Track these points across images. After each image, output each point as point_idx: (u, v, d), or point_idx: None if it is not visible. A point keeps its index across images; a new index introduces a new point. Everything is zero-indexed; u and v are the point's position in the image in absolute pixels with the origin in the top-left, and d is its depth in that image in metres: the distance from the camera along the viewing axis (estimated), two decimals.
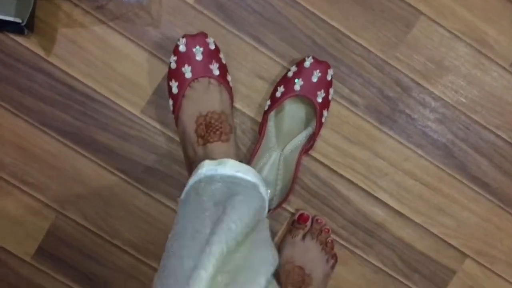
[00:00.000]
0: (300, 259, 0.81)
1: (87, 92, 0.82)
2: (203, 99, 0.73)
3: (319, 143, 0.85)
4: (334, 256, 0.85)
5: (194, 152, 0.73)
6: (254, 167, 0.76)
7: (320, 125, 0.79)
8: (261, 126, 0.80)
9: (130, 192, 0.84)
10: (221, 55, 0.78)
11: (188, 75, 0.73)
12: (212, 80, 0.74)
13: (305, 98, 0.78)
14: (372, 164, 0.86)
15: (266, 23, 0.83)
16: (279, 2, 0.83)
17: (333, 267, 0.85)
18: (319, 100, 0.78)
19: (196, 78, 0.73)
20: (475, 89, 0.85)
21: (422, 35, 0.84)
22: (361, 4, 0.83)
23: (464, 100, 0.85)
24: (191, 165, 0.73)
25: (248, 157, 0.83)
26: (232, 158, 0.66)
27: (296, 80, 0.78)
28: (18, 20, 0.78)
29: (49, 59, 0.82)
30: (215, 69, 0.74)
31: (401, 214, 0.87)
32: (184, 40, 0.73)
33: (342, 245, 0.86)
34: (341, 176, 0.85)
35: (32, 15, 0.79)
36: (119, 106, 0.83)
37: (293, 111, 0.81)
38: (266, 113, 0.80)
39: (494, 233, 0.87)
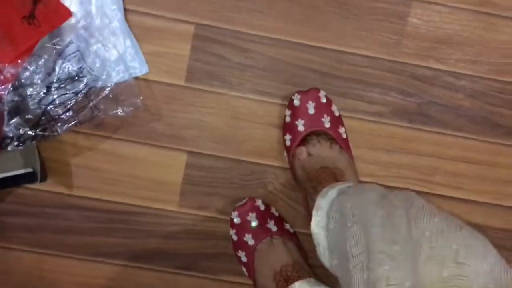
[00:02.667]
0: (318, 165, 0.73)
1: (122, 209, 0.80)
2: (272, 257, 0.73)
3: (359, 165, 0.80)
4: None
5: None
6: None
7: (345, 144, 0.75)
8: (295, 179, 0.77)
9: (200, 285, 0.81)
10: (272, 210, 0.77)
11: (251, 242, 0.74)
12: (274, 237, 0.74)
13: (315, 132, 0.74)
14: (419, 164, 0.81)
15: (263, 73, 0.79)
16: (266, 47, 0.78)
17: (349, 153, 0.77)
18: (327, 125, 0.74)
19: (260, 242, 0.73)
20: (494, 51, 0.79)
21: (420, 21, 0.78)
22: (345, 16, 0.77)
23: (487, 67, 0.79)
24: None
25: (303, 212, 0.80)
26: None
27: (296, 122, 0.74)
28: (29, 170, 0.76)
29: (73, 193, 0.79)
30: (272, 226, 0.74)
31: (466, 201, 0.82)
32: (236, 213, 0.75)
33: None
34: (394, 188, 0.81)
35: (42, 161, 0.76)
36: (156, 210, 0.80)
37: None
38: (290, 166, 0.77)
39: None
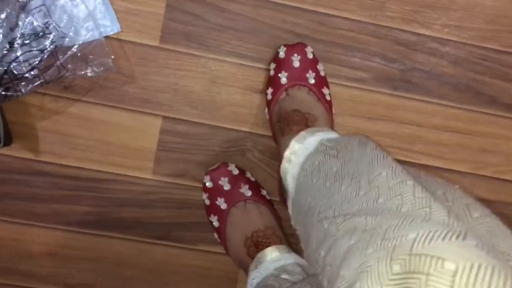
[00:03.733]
0: (291, 104, 0.70)
1: (93, 176, 0.75)
2: (244, 222, 0.71)
3: (339, 131, 0.78)
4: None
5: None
6: None
7: (328, 105, 0.72)
8: (273, 133, 0.73)
9: (177, 255, 0.78)
10: (248, 175, 0.74)
11: (223, 206, 0.71)
12: (248, 201, 0.71)
13: (297, 87, 0.70)
14: (401, 133, 0.79)
15: (242, 35, 0.75)
16: (246, 8, 0.74)
17: (330, 114, 0.73)
18: (312, 81, 0.71)
19: (232, 206, 0.71)
20: (478, 16, 0.76)
21: None
22: None
23: (471, 33, 0.77)
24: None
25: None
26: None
27: (279, 75, 0.70)
28: None
29: (41, 158, 0.75)
30: (246, 191, 0.72)
31: (448, 170, 0.80)
32: (207, 177, 0.72)
33: None
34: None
35: (5, 123, 0.71)
36: (129, 177, 0.76)
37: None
38: (270, 121, 0.73)
39: None
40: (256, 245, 0.70)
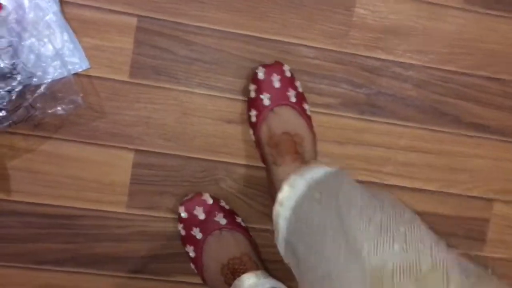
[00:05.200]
0: (280, 126, 0.70)
1: (66, 213, 0.74)
2: (220, 250, 0.71)
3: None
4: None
5: None
6: None
7: (309, 119, 0.73)
8: (261, 155, 0.74)
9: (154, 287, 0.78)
10: (222, 203, 0.74)
11: (199, 236, 0.72)
12: (223, 230, 0.72)
13: (281, 106, 0.71)
14: (371, 155, 0.80)
15: (210, 66, 0.75)
16: (212, 40, 0.75)
17: (312, 130, 0.73)
18: (293, 99, 0.72)
19: (208, 234, 0.71)
20: (437, 40, 0.79)
21: (367, 11, 0.77)
22: (290, 5, 0.76)
23: (432, 56, 0.79)
24: None
25: (257, 207, 0.78)
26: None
27: (261, 96, 0.71)
28: None
29: (12, 198, 0.73)
30: (221, 219, 0.72)
31: (416, 190, 0.82)
32: (182, 207, 0.73)
33: None
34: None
35: None
36: (103, 212, 0.75)
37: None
38: (257, 143, 0.73)
39: (509, 168, 0.83)
40: (233, 272, 0.69)
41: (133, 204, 0.76)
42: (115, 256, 0.76)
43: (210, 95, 0.75)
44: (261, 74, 0.72)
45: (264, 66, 0.72)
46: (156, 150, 0.75)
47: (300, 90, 0.74)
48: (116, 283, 0.76)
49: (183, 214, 0.73)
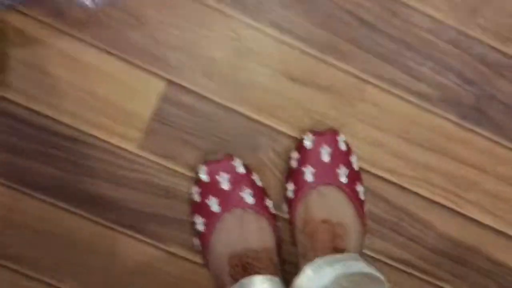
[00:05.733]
0: (321, 211, 0.57)
1: (66, 133, 0.59)
2: (237, 234, 0.56)
3: (381, 155, 0.61)
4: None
5: None
6: None
7: (361, 205, 0.58)
8: (293, 237, 0.60)
9: (143, 251, 0.62)
10: (254, 177, 0.58)
11: (215, 208, 0.56)
12: (247, 210, 0.56)
13: (326, 186, 0.56)
14: (457, 174, 0.62)
15: (290, 5, 0.58)
16: None
17: (362, 220, 0.59)
18: (343, 179, 0.56)
19: (227, 211, 0.56)
20: None
21: None
22: None
23: None
24: None
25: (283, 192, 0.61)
26: None
27: (304, 169, 0.56)
28: None
29: (7, 95, 0.59)
30: (248, 197, 0.56)
31: (498, 232, 0.64)
32: (204, 168, 0.57)
33: (423, 279, 0.65)
34: (416, 194, 0.62)
35: None
36: (110, 145, 0.60)
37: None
38: (290, 224, 0.59)
39: None
40: (244, 267, 0.54)
41: (147, 146, 0.60)
42: (109, 200, 0.61)
43: (280, 39, 0.58)
44: (308, 143, 0.56)
45: (314, 133, 0.57)
46: (193, 88, 0.59)
47: (356, 167, 0.59)
48: (101, 233, 0.62)
49: (204, 177, 0.57)
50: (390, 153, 0.61)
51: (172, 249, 0.62)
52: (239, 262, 0.54)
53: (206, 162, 0.57)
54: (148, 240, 0.62)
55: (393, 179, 0.62)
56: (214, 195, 0.56)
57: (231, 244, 0.56)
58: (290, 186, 0.58)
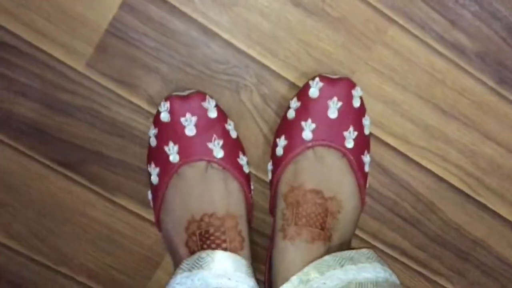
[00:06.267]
0: (313, 177, 0.45)
1: (4, 39, 0.46)
2: (197, 194, 0.44)
3: (392, 117, 0.49)
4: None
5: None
6: None
7: (364, 179, 0.46)
8: (271, 205, 0.48)
9: (77, 196, 0.50)
10: (229, 126, 0.46)
11: (174, 158, 0.44)
12: (214, 165, 0.44)
13: (326, 148, 0.44)
14: (478, 150, 0.50)
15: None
16: None
17: (363, 195, 0.48)
18: (350, 144, 0.44)
19: (187, 162, 0.43)
20: None
21: None
22: None
23: None
24: None
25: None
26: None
27: (303, 124, 0.44)
28: None
29: None
30: (217, 148, 0.44)
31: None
32: (167, 105, 0.44)
33: (417, 271, 0.54)
34: (426, 169, 0.50)
35: None
36: (52, 58, 0.46)
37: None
38: (272, 188, 0.47)
39: None
40: (203, 237, 0.43)
41: (96, 65, 0.46)
42: (45, 130, 0.48)
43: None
44: (314, 90, 0.43)
45: (325, 79, 0.43)
46: None
47: (367, 131, 0.46)
48: (31, 168, 0.49)
49: (164, 115, 0.44)
50: (404, 115, 0.49)
51: (117, 200, 0.50)
52: (197, 230, 0.43)
53: (169, 97, 0.44)
54: (89, 184, 0.49)
55: (402, 148, 0.50)
56: (175, 140, 0.44)
57: (189, 206, 0.44)
58: (282, 142, 0.45)
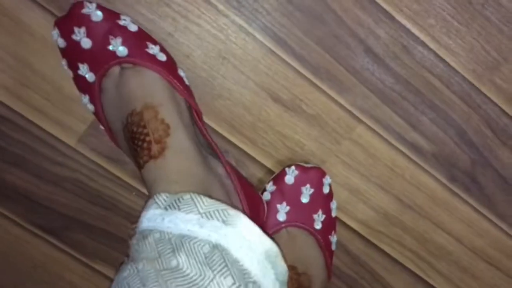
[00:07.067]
0: (288, 255, 0.48)
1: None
2: (118, 99, 0.42)
3: (356, 204, 0.54)
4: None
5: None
6: None
7: (330, 256, 0.50)
8: None
9: (57, 260, 0.52)
10: (123, 21, 0.43)
11: (90, 77, 0.43)
12: (125, 65, 0.42)
13: (297, 229, 0.49)
14: (432, 239, 0.56)
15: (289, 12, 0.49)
16: None
17: (330, 272, 0.52)
18: (318, 226, 0.49)
19: (101, 75, 0.42)
20: None
21: None
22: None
23: None
24: None
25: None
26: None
27: (278, 206, 0.48)
28: None
29: None
30: (118, 48, 0.42)
31: None
32: (56, 31, 0.43)
33: None
34: (383, 252, 0.55)
35: None
36: (44, 132, 0.49)
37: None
38: None
39: None
40: (132, 139, 0.41)
41: (87, 141, 0.50)
42: (30, 197, 0.50)
43: (269, 49, 0.49)
44: (290, 177, 0.48)
45: (299, 168, 0.48)
46: None
47: (334, 214, 0.51)
48: (12, 233, 0.51)
49: (60, 42, 0.44)
50: (366, 203, 0.54)
51: (96, 266, 0.52)
52: (127, 134, 0.41)
53: (55, 22, 0.43)
54: (69, 250, 0.52)
55: (363, 231, 0.55)
56: (81, 60, 0.43)
57: (117, 115, 0.43)
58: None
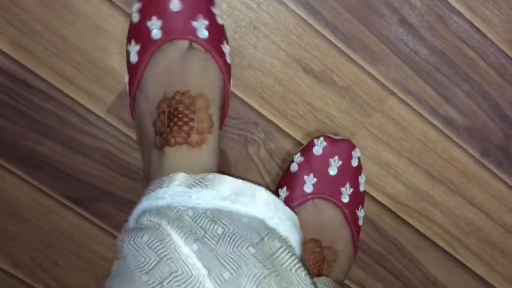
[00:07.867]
0: (312, 227, 0.49)
1: (27, 79, 0.48)
2: (174, 73, 0.42)
3: (385, 178, 0.53)
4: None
5: (148, 160, 0.42)
6: None
7: (357, 232, 0.50)
8: None
9: (85, 231, 0.52)
10: (215, 10, 0.44)
11: (156, 33, 0.42)
12: (195, 45, 0.42)
13: (324, 201, 0.48)
14: (462, 214, 0.55)
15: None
16: None
17: (356, 247, 0.51)
18: (346, 199, 0.48)
19: (169, 40, 0.42)
20: None
21: None
22: None
23: None
24: (144, 180, 0.43)
25: None
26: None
27: (305, 177, 0.48)
28: None
29: None
30: (201, 29, 0.42)
31: (487, 284, 0.58)
32: None
33: None
34: (412, 228, 0.55)
35: None
36: (74, 102, 0.49)
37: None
38: None
39: None
40: (171, 115, 0.40)
41: (117, 111, 0.50)
42: (59, 168, 0.50)
43: (302, 18, 0.48)
44: (318, 148, 0.47)
45: (328, 139, 0.47)
46: None
47: (362, 188, 0.50)
48: (38, 201, 0.51)
49: None
50: (396, 177, 0.53)
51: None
52: (167, 109, 0.40)
53: None
54: (96, 221, 0.52)
55: (392, 206, 0.54)
56: (158, 16, 0.42)
57: (164, 84, 0.42)
58: (283, 192, 0.49)
